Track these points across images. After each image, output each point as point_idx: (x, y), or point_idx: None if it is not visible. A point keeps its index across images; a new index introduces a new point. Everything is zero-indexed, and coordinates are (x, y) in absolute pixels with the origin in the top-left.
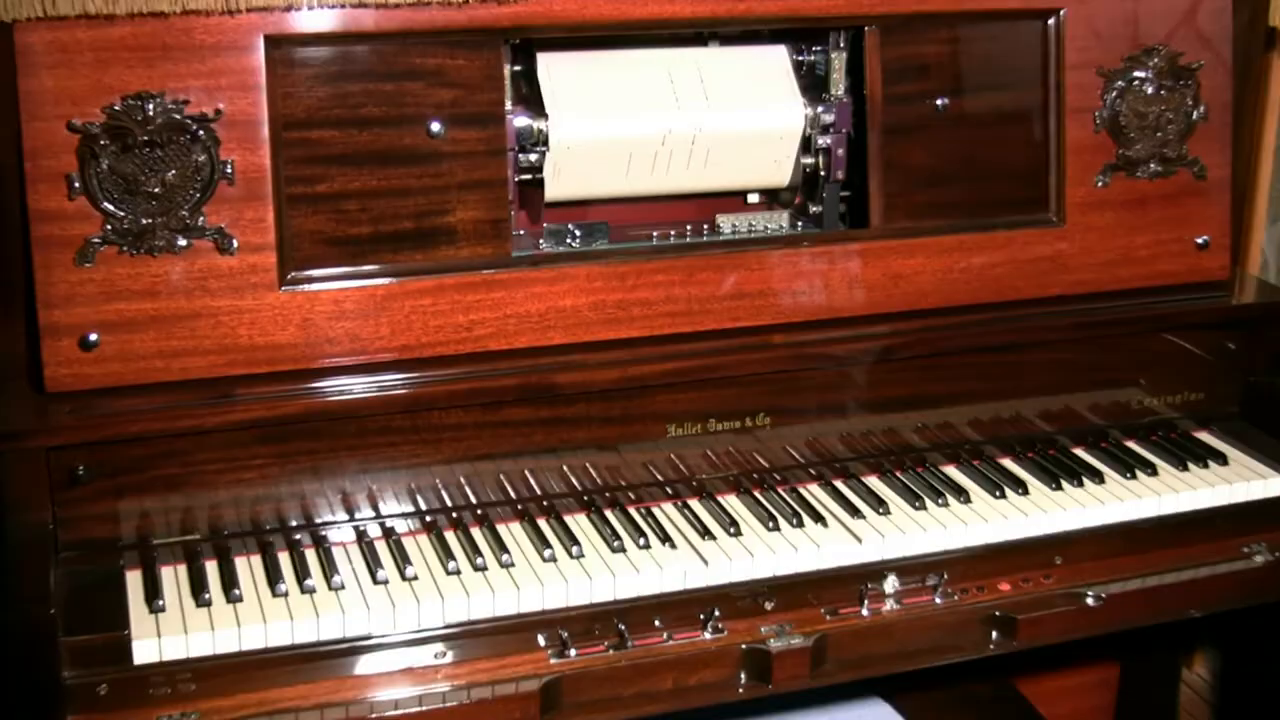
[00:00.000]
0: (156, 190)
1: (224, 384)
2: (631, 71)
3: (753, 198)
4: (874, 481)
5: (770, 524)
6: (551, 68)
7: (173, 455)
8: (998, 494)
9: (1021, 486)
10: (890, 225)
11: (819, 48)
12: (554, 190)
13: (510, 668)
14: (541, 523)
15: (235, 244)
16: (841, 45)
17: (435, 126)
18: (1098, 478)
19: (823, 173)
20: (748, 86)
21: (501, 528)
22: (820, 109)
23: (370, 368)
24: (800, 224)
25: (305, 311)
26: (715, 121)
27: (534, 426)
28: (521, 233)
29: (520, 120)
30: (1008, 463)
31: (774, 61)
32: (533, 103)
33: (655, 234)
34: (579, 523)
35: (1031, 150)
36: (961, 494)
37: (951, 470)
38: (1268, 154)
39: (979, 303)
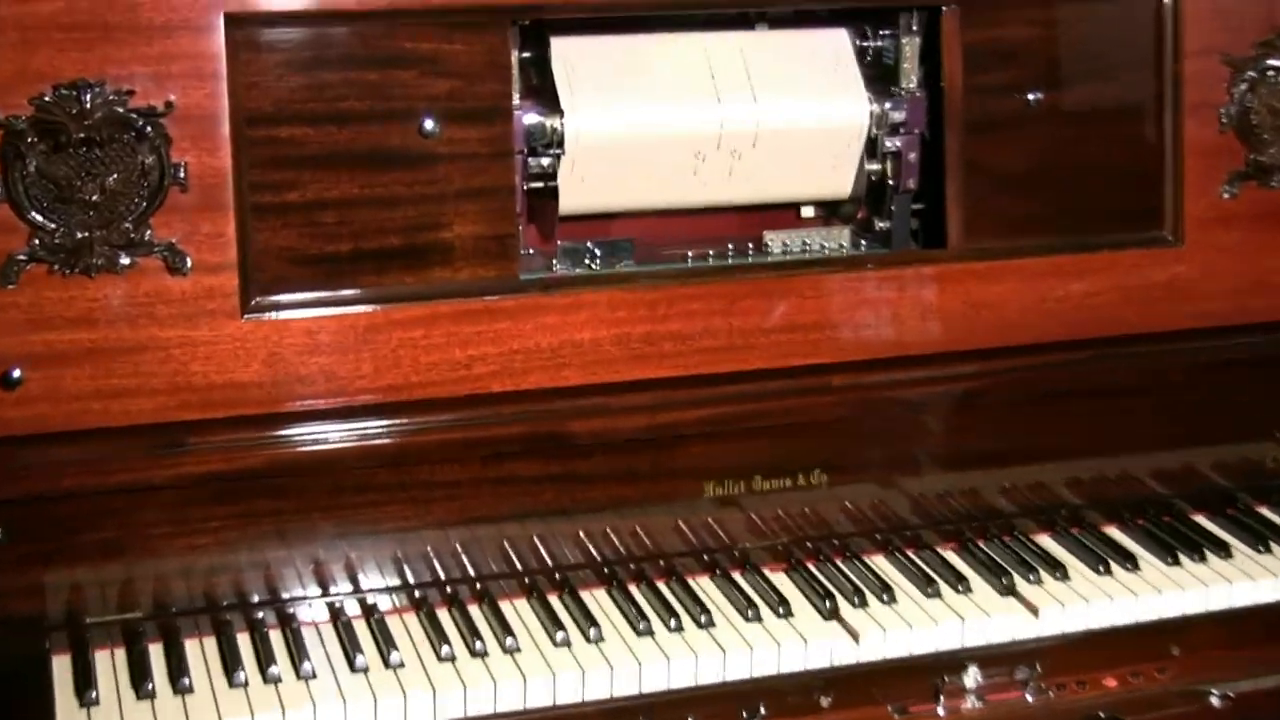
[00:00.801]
0: (94, 198)
1: (174, 430)
2: (664, 59)
3: (807, 211)
4: (951, 554)
5: (827, 602)
6: (568, 54)
7: (111, 516)
8: (1101, 569)
9: (1130, 560)
10: (972, 244)
11: (887, 31)
12: (570, 201)
13: None
14: (553, 599)
15: (189, 263)
16: (914, 28)
17: (429, 124)
18: (1223, 551)
19: (891, 181)
20: (802, 78)
21: (505, 605)
22: (888, 105)
23: (349, 412)
24: (864, 243)
25: (272, 344)
26: (763, 119)
27: (544, 484)
28: (531, 251)
29: (530, 117)
30: (1114, 532)
31: (833, 48)
32: (545, 96)
33: (690, 254)
34: (598, 599)
35: (1143, 154)
36: (1057, 569)
37: (1045, 540)
38: None
39: (1079, 338)
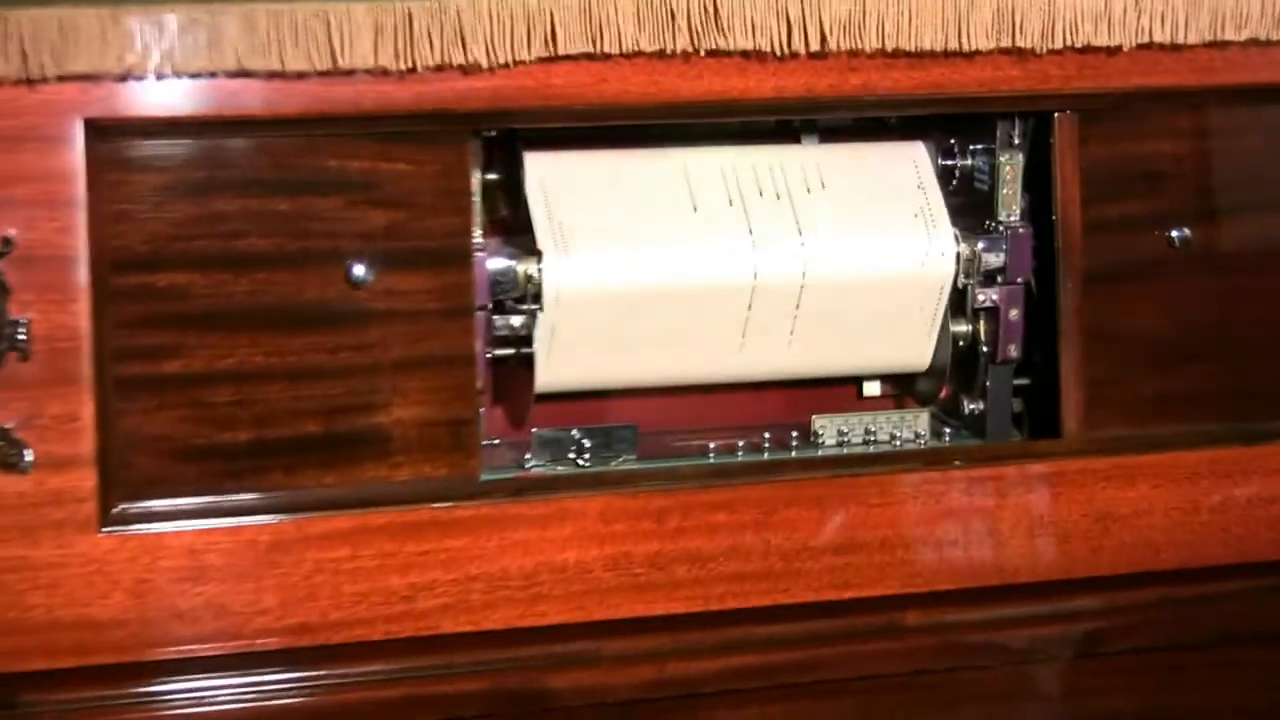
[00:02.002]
0: None
1: (2, 686)
2: (677, 184)
3: (871, 388)
4: None
5: None
6: (548, 176)
7: None
8: None
9: None
10: (1097, 434)
11: (980, 145)
12: (550, 374)
13: None
14: None
15: (28, 456)
16: (1016, 140)
17: (359, 270)
18: None
19: (985, 348)
20: (865, 209)
21: None
22: (981, 245)
23: (246, 661)
24: (949, 432)
25: (142, 568)
26: (813, 266)
27: None
28: (497, 442)
29: (497, 261)
30: None
31: (907, 168)
32: (517, 233)
33: (713, 446)
34: None
35: None
36: None
37: None
38: None
39: (1243, 562)
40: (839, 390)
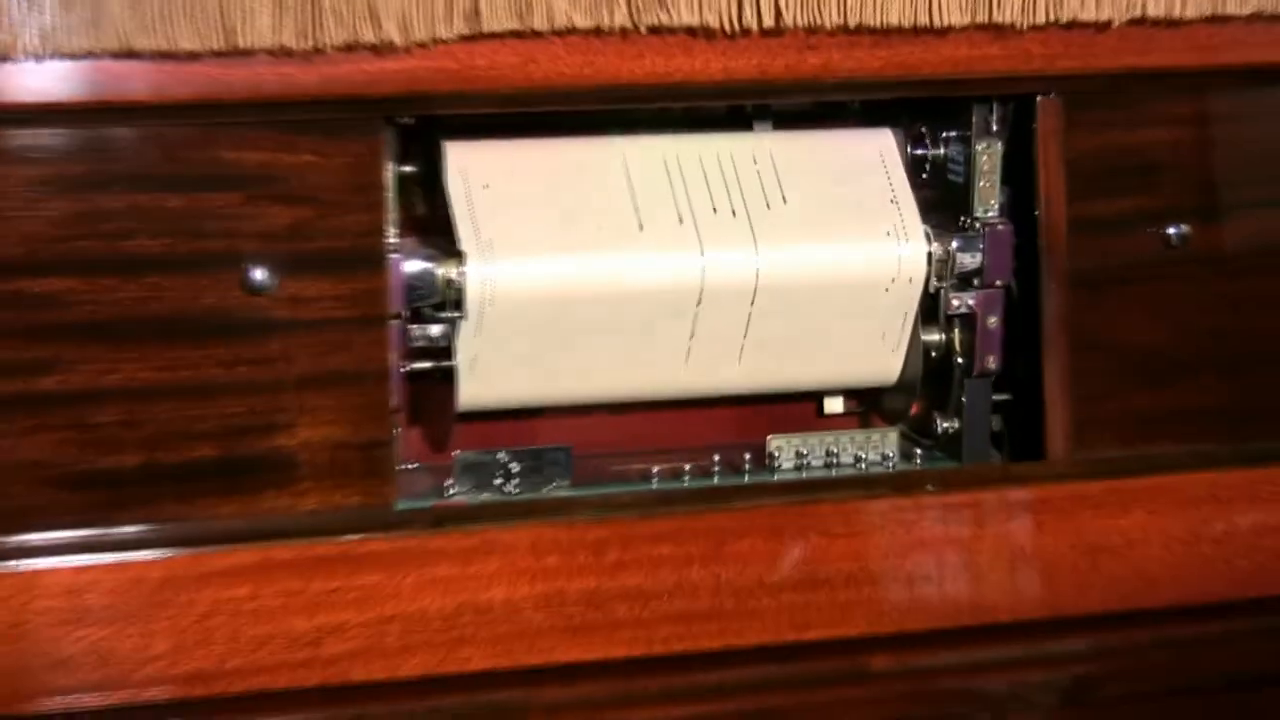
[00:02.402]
0: None
1: None
2: (614, 177)
3: (833, 405)
4: None
5: None
6: (471, 170)
7: None
8: None
9: None
10: (1086, 455)
11: (954, 133)
12: (474, 390)
13: None
14: None
15: None
16: (994, 128)
17: (259, 274)
18: None
19: (961, 359)
20: (824, 203)
21: None
22: (956, 243)
23: (133, 714)
24: (920, 453)
25: (15, 609)
26: (767, 267)
27: None
28: (414, 466)
29: (414, 264)
30: None
31: (872, 158)
32: (437, 231)
33: (656, 470)
34: None
35: None
36: None
37: None
38: None
39: (1252, 597)
40: (797, 407)
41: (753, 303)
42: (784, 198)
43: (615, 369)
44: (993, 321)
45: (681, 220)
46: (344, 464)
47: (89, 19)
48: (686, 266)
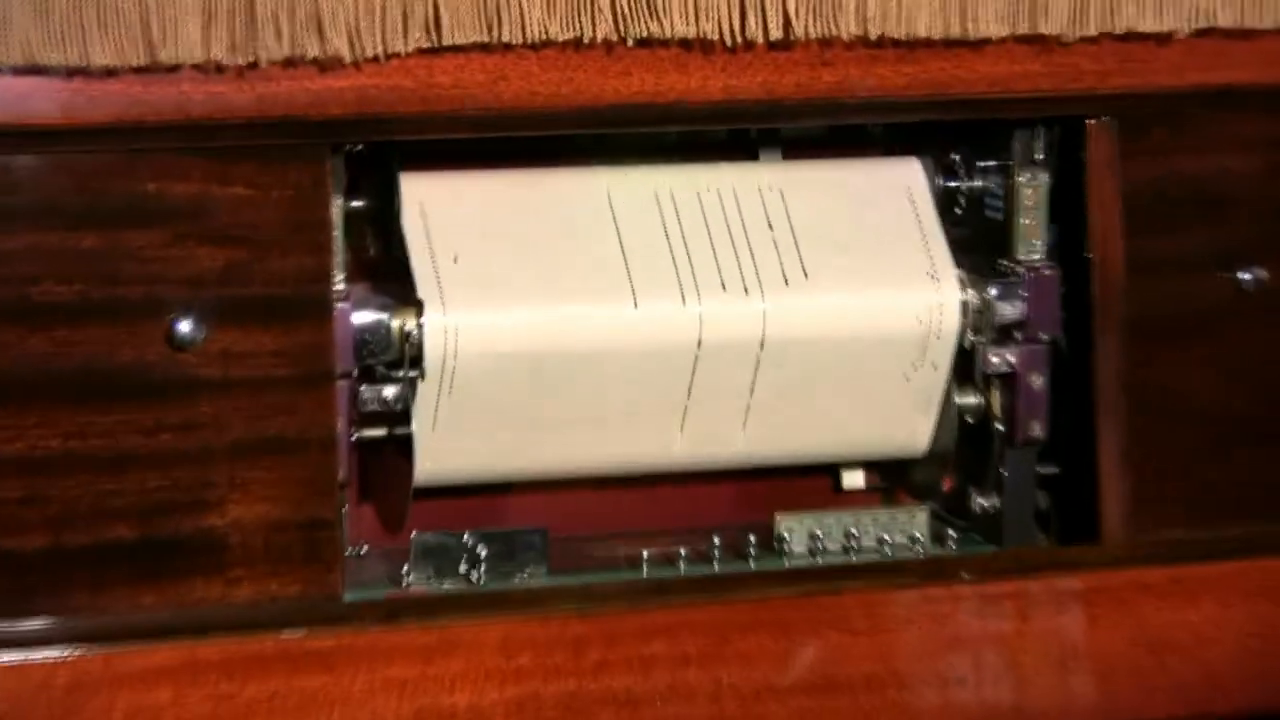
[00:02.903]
0: None
1: None
2: (598, 216)
3: (853, 479)
4: None
5: None
6: (431, 205)
7: None
8: None
9: None
10: (1147, 537)
11: (991, 163)
12: (434, 461)
13: None
14: None
15: None
16: (1037, 156)
17: (185, 326)
18: None
19: (1001, 426)
20: (843, 243)
21: None
22: (994, 291)
23: None
24: (955, 535)
25: None
26: (775, 321)
27: None
28: (364, 550)
29: (364, 314)
30: None
31: (898, 192)
32: (392, 277)
33: (647, 554)
34: None
35: None
36: None
37: None
38: None
39: None
40: (811, 482)
41: (759, 360)
42: (795, 238)
43: (599, 438)
44: (1037, 381)
45: (676, 264)
46: (283, 547)
47: None
48: (681, 318)
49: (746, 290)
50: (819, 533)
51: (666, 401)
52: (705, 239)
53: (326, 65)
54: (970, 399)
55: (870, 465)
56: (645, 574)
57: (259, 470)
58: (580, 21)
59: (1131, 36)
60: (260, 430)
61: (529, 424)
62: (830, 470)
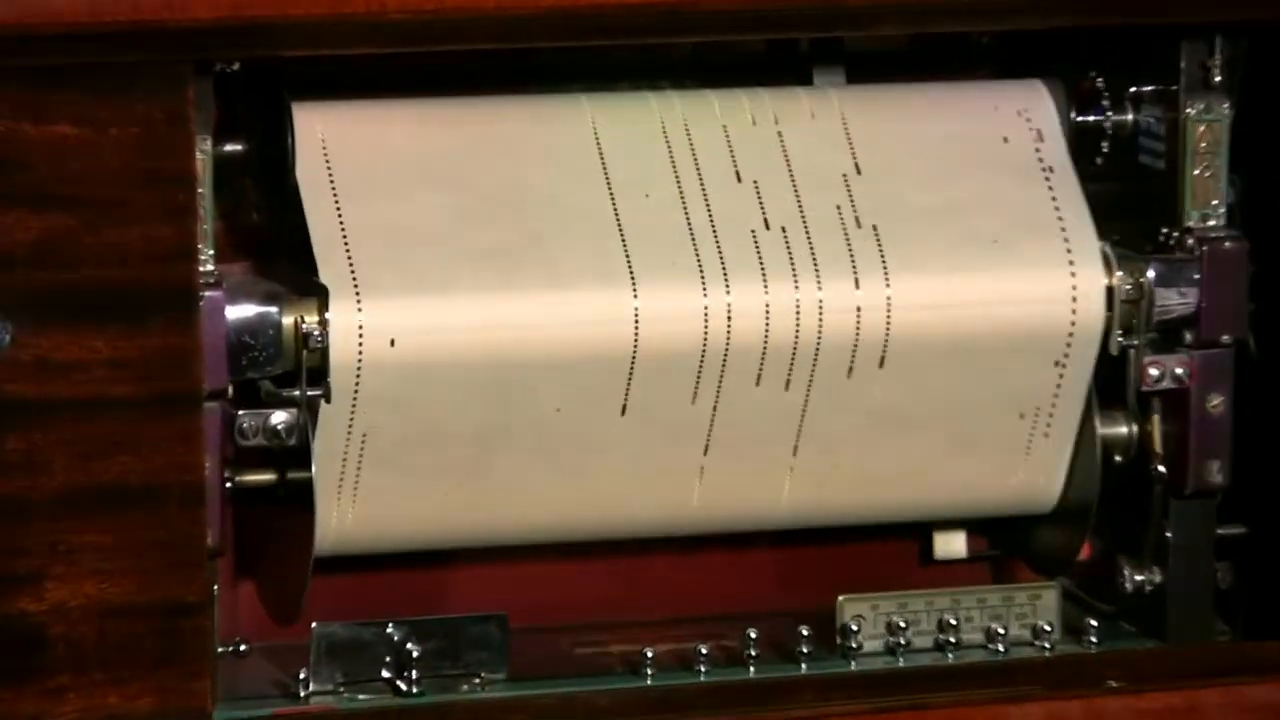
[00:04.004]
0: None
1: None
2: (582, 159)
3: (949, 544)
4: None
5: None
6: (338, 148)
7: None
8: None
9: None
10: None
11: (1148, 88)
12: (344, 519)
13: None
14: None
15: None
16: (1214, 79)
17: None
18: None
19: (1161, 468)
20: (933, 209)
21: None
22: (1153, 271)
23: None
24: (1097, 625)
25: None
26: (832, 311)
27: None
28: (244, 647)
29: (243, 308)
30: None
31: (1014, 130)
32: (285, 254)
33: (650, 652)
34: None
35: None
36: None
37: None
38: None
39: None
40: (888, 549)
41: (812, 375)
42: (862, 198)
43: (580, 485)
44: (1216, 403)
45: (693, 234)
46: (127, 644)
47: None
48: (700, 312)
49: (795, 275)
50: (901, 622)
51: (679, 434)
52: (733, 198)
53: None
54: (1119, 429)
55: (975, 526)
56: (650, 681)
57: (91, 533)
58: None
59: None
60: (93, 475)
61: (479, 466)
62: (917, 533)
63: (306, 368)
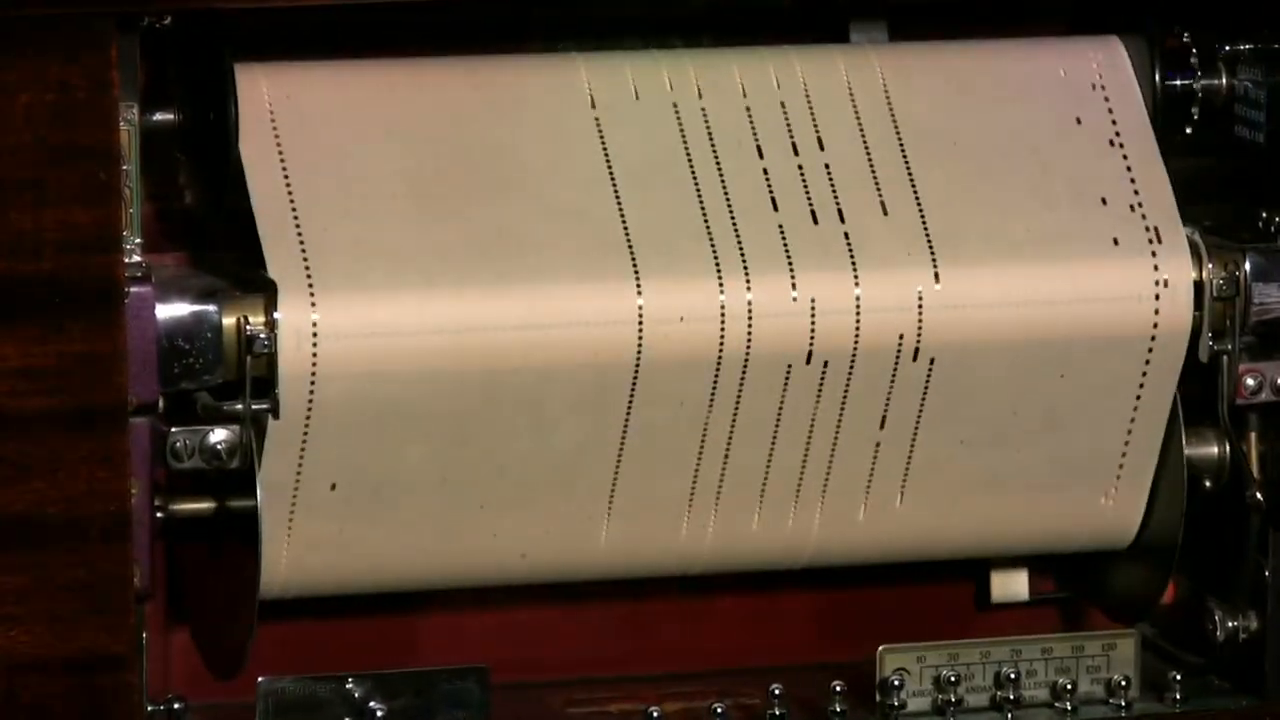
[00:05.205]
0: None
1: None
2: (576, 131)
3: (1009, 585)
4: None
5: None
6: (287, 115)
7: None
8: None
9: None
10: None
11: (1244, 46)
12: (295, 555)
13: None
14: None
15: None
16: None
17: None
18: None
19: (1260, 495)
20: (990, 185)
21: None
22: (1251, 264)
23: None
24: (1180, 680)
25: None
26: (871, 311)
27: None
28: (178, 706)
29: (177, 304)
30: None
31: (1087, 95)
32: (223, 243)
33: (655, 712)
34: None
35: None
36: None
37: None
38: None
39: None
40: (938, 592)
41: (848, 385)
42: (904, 175)
43: (572, 516)
44: None
45: (706, 215)
46: (40, 703)
47: None
48: (714, 309)
49: (826, 268)
50: (951, 676)
51: (686, 455)
52: (754, 174)
53: None
54: (1209, 449)
55: (1039, 563)
56: None
57: (2, 572)
58: None
59: None
60: (1, 504)
61: (455, 493)
62: (971, 572)
63: (251, 377)
